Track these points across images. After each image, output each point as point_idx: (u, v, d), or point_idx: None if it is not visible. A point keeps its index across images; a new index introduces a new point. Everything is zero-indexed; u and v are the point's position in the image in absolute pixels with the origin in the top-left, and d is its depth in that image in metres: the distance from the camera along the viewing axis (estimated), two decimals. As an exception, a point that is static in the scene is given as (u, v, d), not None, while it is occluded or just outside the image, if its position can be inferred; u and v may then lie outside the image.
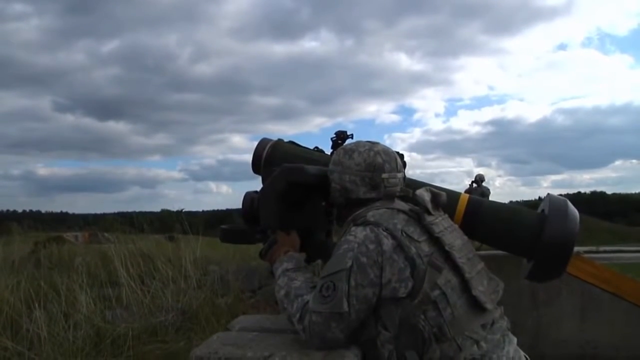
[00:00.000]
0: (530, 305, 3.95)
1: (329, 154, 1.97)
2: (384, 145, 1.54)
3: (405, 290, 1.29)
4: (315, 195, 1.61)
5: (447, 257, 1.36)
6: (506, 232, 1.86)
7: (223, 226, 1.77)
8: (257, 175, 2.02)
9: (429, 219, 1.41)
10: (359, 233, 1.35)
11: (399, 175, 1.52)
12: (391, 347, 1.31)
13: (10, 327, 3.04)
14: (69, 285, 3.54)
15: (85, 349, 2.81)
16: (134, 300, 3.57)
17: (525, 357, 1.44)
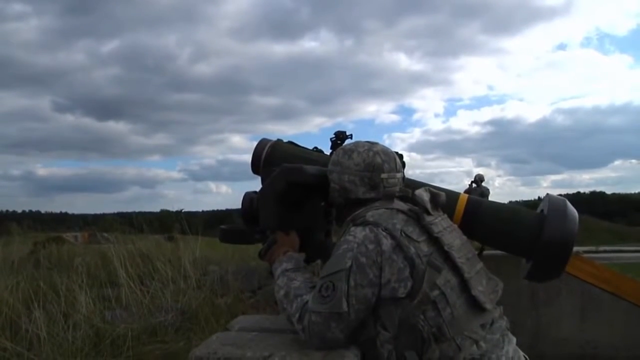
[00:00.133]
0: (530, 305, 3.95)
1: (328, 154, 1.97)
2: (383, 146, 1.54)
3: (405, 290, 1.29)
4: (314, 195, 1.61)
5: (447, 257, 1.36)
6: (505, 232, 1.86)
7: (222, 226, 1.77)
8: (256, 176, 2.02)
9: (428, 219, 1.41)
10: (358, 233, 1.35)
11: (398, 175, 1.53)
12: (390, 347, 1.31)
13: (9, 328, 3.03)
14: (68, 286, 3.54)
15: (85, 349, 2.80)
16: (134, 300, 3.57)
17: (524, 357, 1.44)
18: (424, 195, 1.46)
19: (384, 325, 1.32)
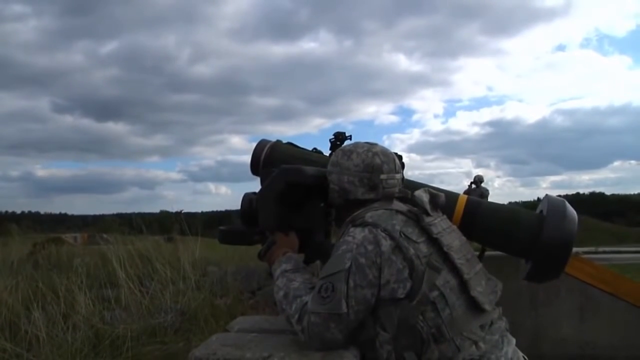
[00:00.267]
0: (529, 306, 3.96)
1: (328, 155, 1.97)
2: (383, 146, 1.55)
3: (404, 291, 1.29)
4: (313, 196, 1.62)
5: (446, 258, 1.37)
6: (505, 232, 1.87)
7: (222, 227, 1.77)
8: (255, 177, 2.02)
9: (427, 220, 1.41)
10: (357, 234, 1.35)
11: (398, 176, 1.53)
12: (390, 347, 1.31)
13: (9, 329, 3.03)
14: (67, 287, 3.53)
15: (84, 350, 2.80)
16: (133, 301, 3.57)
17: (523, 357, 1.44)
18: (423, 196, 1.46)
19: (383, 326, 1.32)
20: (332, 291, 1.31)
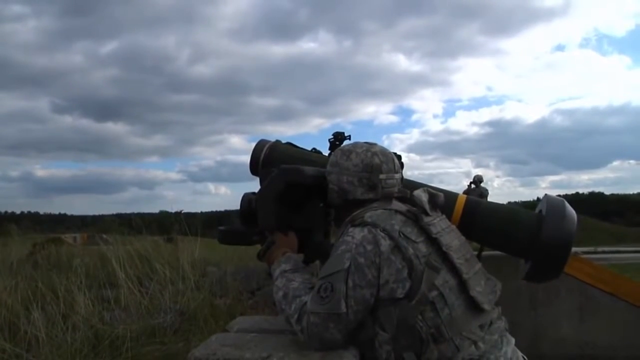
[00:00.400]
0: (529, 306, 3.96)
1: (327, 155, 1.97)
2: (382, 146, 1.55)
3: (403, 291, 1.30)
4: (313, 196, 1.62)
5: (445, 257, 1.37)
6: (504, 232, 1.87)
7: (221, 227, 1.77)
8: (255, 177, 2.02)
9: (426, 219, 1.41)
10: (356, 234, 1.35)
11: (397, 176, 1.53)
12: (389, 347, 1.31)
13: (8, 329, 3.03)
14: (67, 287, 3.53)
15: (84, 350, 2.80)
16: (132, 301, 3.56)
17: (523, 357, 1.45)
18: (422, 196, 1.46)
19: (383, 326, 1.32)
20: (331, 291, 1.31)
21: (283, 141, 2.16)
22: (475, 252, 1.60)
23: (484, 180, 11.31)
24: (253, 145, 2.12)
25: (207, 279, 4.26)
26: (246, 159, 2.12)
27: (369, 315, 1.34)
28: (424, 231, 1.38)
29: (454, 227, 1.54)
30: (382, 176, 1.48)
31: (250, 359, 1.30)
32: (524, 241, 1.81)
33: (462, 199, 1.90)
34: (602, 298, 3.90)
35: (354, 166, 1.50)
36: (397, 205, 1.48)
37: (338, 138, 1.95)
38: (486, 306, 1.37)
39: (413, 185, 1.75)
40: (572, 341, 3.91)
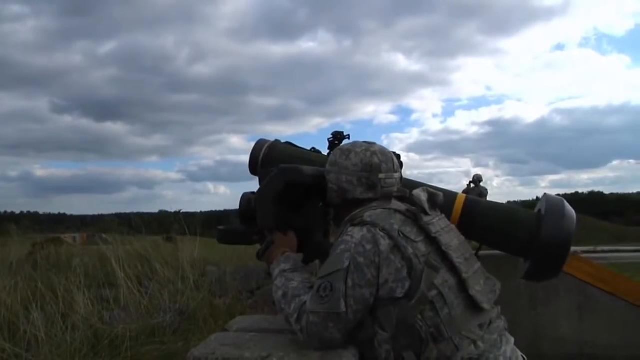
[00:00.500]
0: (528, 305, 3.97)
1: (326, 154, 1.97)
2: (381, 146, 1.55)
3: (403, 291, 1.30)
4: (312, 195, 1.62)
5: (444, 257, 1.37)
6: (503, 232, 1.86)
7: (220, 227, 1.77)
8: (254, 176, 2.02)
9: (425, 219, 1.41)
10: (356, 233, 1.35)
11: (396, 175, 1.53)
12: (389, 347, 1.31)
13: (7, 329, 3.02)
14: (66, 287, 3.53)
15: (83, 350, 2.80)
16: (132, 301, 3.56)
17: (522, 357, 1.45)
18: (421, 195, 1.46)
19: (382, 326, 1.32)
20: (331, 290, 1.31)
21: (282, 141, 2.16)
22: (474, 251, 1.60)
23: (484, 180, 11.34)
24: (252, 144, 2.12)
25: (206, 278, 4.27)
26: (245, 158, 2.11)
27: (368, 315, 1.34)
28: (423, 230, 1.38)
29: (453, 226, 1.54)
30: (381, 175, 1.48)
31: (250, 359, 1.30)
32: (523, 240, 1.81)
33: (461, 198, 1.89)
34: (602, 297, 3.91)
35: (353, 165, 1.50)
36: (396, 204, 1.48)
37: (337, 137, 1.94)
38: (485, 305, 1.37)
39: (412, 184, 1.75)
40: (571, 340, 3.91)
